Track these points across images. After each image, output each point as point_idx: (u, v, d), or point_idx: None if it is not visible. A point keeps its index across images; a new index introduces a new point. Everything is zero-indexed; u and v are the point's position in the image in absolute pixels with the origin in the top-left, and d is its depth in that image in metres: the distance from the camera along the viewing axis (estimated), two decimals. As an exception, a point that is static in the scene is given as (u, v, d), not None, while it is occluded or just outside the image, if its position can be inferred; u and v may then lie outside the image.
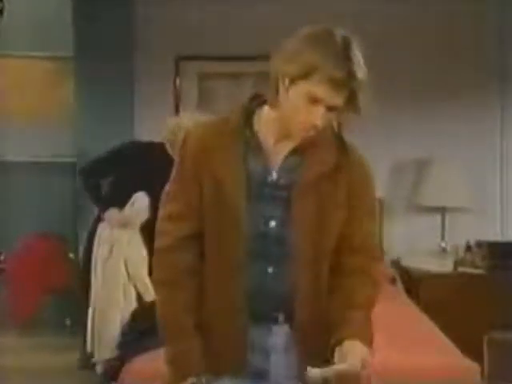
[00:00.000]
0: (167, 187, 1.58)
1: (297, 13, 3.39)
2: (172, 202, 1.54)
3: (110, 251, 2.91)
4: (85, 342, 2.98)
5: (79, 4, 3.83)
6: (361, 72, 1.38)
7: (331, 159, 1.47)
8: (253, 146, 1.49)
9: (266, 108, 1.51)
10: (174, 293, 1.53)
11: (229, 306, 1.49)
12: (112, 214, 2.95)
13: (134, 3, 3.91)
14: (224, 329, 1.51)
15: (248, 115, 1.51)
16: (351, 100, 1.39)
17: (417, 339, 2.59)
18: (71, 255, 3.96)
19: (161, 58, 3.96)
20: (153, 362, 2.14)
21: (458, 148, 4.02)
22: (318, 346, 1.49)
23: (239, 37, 3.76)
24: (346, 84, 1.36)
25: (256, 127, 1.50)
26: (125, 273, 2.91)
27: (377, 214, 1.61)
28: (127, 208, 2.96)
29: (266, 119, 1.51)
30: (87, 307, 2.95)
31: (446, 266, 3.83)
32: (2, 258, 3.88)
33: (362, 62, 1.39)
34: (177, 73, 4.00)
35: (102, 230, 2.96)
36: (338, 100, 1.38)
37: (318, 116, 1.39)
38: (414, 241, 3.94)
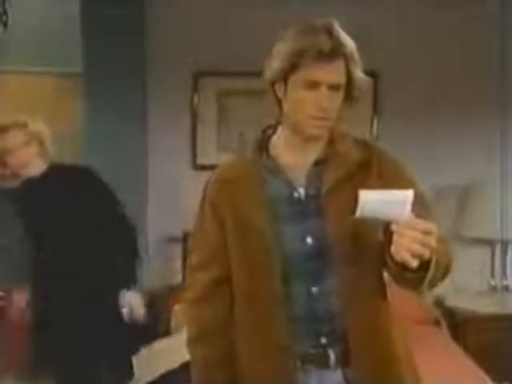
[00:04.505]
0: (191, 238, 1.67)
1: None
2: (196, 251, 1.66)
3: None
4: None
5: (88, 16, 3.89)
6: (349, 42, 1.46)
7: (354, 158, 1.54)
8: (272, 168, 1.57)
9: (278, 131, 1.60)
10: (204, 350, 1.61)
11: (271, 347, 1.52)
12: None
13: (148, 16, 3.98)
14: (267, 376, 1.53)
15: (263, 143, 1.61)
16: (350, 77, 1.47)
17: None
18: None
19: (177, 74, 4.02)
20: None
21: (506, 173, 4.00)
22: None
23: (263, 51, 3.83)
24: (336, 54, 1.43)
25: (272, 152, 1.59)
26: None
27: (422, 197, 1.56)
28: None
29: (280, 141, 1.59)
30: None
31: (496, 307, 3.76)
32: (1, 293, 3.91)
33: (348, 38, 1.47)
34: (194, 89, 4.06)
35: None
36: (335, 75, 1.45)
37: (321, 96, 1.45)
38: (460, 277, 3.87)
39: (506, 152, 4.04)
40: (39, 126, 2.72)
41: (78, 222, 2.65)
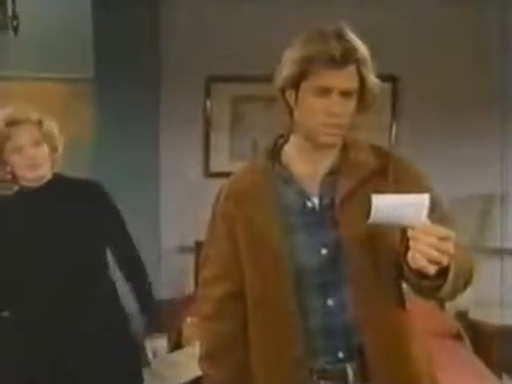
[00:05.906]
0: (203, 251, 1.66)
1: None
2: (208, 266, 1.65)
3: None
4: None
5: (100, 20, 3.90)
6: (360, 47, 1.44)
7: (369, 166, 1.53)
8: (285, 178, 1.56)
9: (291, 140, 1.59)
10: (217, 368, 1.60)
11: (286, 363, 1.50)
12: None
13: (160, 21, 4.00)
14: None
15: (275, 153, 1.60)
16: (363, 82, 1.46)
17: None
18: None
19: (190, 79, 4.03)
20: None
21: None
22: None
23: (277, 57, 3.81)
24: (348, 59, 1.42)
25: (285, 161, 1.58)
26: None
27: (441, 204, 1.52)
28: None
29: (293, 149, 1.59)
30: None
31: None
32: None
33: (359, 42, 1.45)
34: (207, 95, 4.06)
35: None
36: (346, 81, 1.44)
37: (333, 103, 1.44)
38: (484, 289, 3.81)
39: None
40: (54, 128, 2.44)
41: (77, 239, 2.35)
